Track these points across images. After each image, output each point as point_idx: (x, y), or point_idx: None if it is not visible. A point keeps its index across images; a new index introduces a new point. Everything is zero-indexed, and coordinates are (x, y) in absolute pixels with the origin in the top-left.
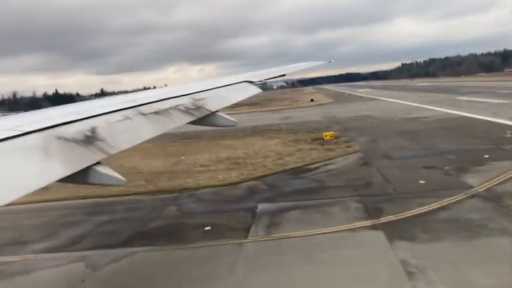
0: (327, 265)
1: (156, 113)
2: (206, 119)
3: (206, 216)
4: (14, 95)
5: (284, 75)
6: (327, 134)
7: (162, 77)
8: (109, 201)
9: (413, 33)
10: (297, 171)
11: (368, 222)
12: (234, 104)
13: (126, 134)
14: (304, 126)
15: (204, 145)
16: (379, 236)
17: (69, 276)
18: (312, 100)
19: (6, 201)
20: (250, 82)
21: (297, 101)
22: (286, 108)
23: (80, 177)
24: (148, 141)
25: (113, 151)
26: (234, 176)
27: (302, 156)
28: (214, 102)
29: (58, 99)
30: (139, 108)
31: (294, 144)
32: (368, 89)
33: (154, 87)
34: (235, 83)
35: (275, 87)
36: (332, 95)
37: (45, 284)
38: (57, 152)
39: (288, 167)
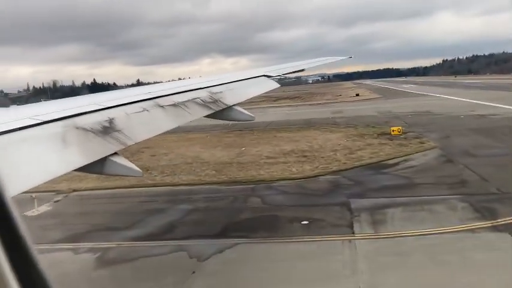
0: (464, 269)
1: (173, 105)
2: (223, 112)
3: (297, 210)
4: (54, 83)
5: (303, 70)
6: (394, 129)
7: (197, 69)
8: (183, 190)
9: (454, 28)
10: (376, 167)
11: (486, 223)
12: (266, 98)
13: (144, 125)
14: (360, 120)
15: (260, 137)
16: (507, 238)
17: (175, 266)
18: (357, 95)
19: (24, 189)
20: (268, 76)
21: (340, 95)
22: (332, 103)
23: (97, 167)
24: (201, 132)
25: (130, 142)
26: (308, 169)
27: (375, 151)
28: (231, 96)
29: (96, 88)
30: (157, 100)
31: (360, 138)
32: (412, 85)
33: (189, 78)
34: (253, 77)
35: (310, 81)
36: (376, 90)
37: (153, 273)
38: (75, 142)
39: (364, 162)
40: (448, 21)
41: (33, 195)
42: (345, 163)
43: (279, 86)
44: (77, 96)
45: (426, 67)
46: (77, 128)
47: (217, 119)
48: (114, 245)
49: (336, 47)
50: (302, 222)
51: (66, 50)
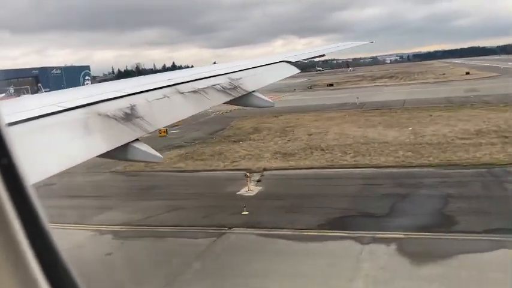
0: None
1: (193, 92)
2: (242, 99)
3: None
4: (137, 66)
5: (323, 55)
6: None
7: (270, 50)
8: (397, 172)
9: None
10: None
11: None
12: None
13: (164, 112)
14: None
15: (413, 116)
16: None
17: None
18: (467, 73)
19: (48, 175)
20: (288, 62)
21: (443, 74)
22: (444, 81)
23: (119, 153)
24: (335, 110)
25: (151, 129)
26: None
27: None
28: (250, 82)
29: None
30: (178, 86)
31: None
32: None
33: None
34: (273, 63)
35: (388, 61)
36: (482, 68)
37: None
38: (98, 129)
39: None
40: None
41: (247, 173)
42: None
43: (299, 71)
44: (102, 83)
45: None
46: (99, 114)
47: (236, 105)
48: (402, 236)
49: (414, 25)
50: None
51: (145, 34)
